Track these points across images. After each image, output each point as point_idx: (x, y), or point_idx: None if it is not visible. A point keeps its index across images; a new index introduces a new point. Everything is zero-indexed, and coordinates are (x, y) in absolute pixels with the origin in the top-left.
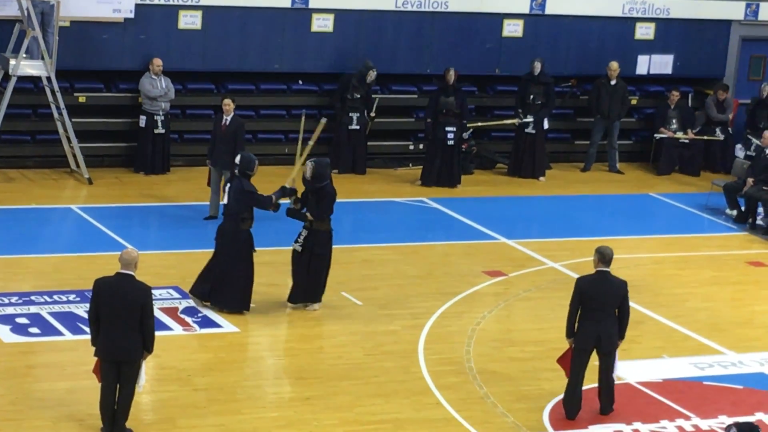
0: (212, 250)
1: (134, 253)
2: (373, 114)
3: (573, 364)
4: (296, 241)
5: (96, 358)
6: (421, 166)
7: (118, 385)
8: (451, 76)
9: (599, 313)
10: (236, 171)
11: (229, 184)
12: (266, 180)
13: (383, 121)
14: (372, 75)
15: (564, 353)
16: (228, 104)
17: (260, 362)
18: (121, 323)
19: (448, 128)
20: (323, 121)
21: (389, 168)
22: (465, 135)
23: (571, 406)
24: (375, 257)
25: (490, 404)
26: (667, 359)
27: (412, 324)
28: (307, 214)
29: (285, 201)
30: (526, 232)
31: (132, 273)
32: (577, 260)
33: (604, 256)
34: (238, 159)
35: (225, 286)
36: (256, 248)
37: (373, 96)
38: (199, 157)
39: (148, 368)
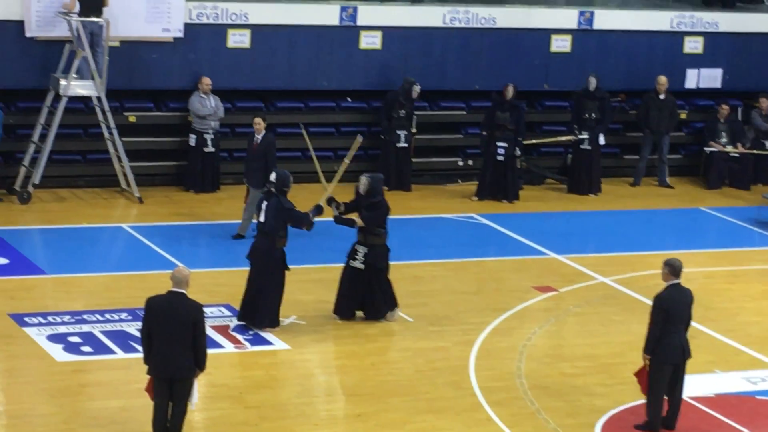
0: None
1: (186, 272)
2: (414, 130)
3: (656, 379)
4: (354, 259)
5: (149, 377)
6: (476, 181)
7: (170, 403)
8: (509, 91)
9: (679, 326)
10: (272, 188)
11: (266, 202)
12: (316, 198)
13: (432, 137)
14: (416, 89)
15: (641, 369)
16: (258, 123)
17: (311, 379)
18: (173, 341)
19: (499, 143)
20: (360, 138)
21: (438, 184)
22: (518, 152)
23: (660, 418)
24: (425, 273)
25: (542, 420)
26: (719, 374)
27: (463, 340)
28: (357, 219)
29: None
30: (576, 247)
31: (184, 291)
32: (628, 275)
33: (675, 269)
34: (273, 177)
35: (258, 304)
36: (291, 267)
37: (415, 113)
38: None
39: (200, 386)
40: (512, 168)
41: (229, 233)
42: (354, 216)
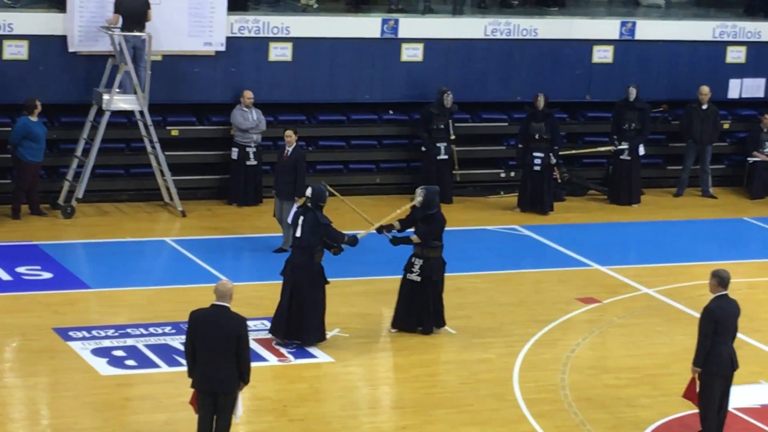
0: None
1: (229, 285)
2: (452, 137)
3: (708, 391)
4: (410, 272)
5: (192, 390)
6: (516, 193)
7: (214, 417)
8: (540, 102)
9: (727, 337)
10: (309, 203)
11: (302, 217)
12: (359, 210)
13: (473, 149)
14: (449, 98)
15: (689, 385)
16: (290, 135)
17: (355, 392)
18: (217, 355)
19: (535, 154)
20: (407, 206)
21: (480, 196)
22: (553, 161)
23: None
24: (468, 286)
25: None
26: (764, 385)
27: (506, 352)
28: (413, 237)
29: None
30: (619, 258)
31: (227, 304)
32: (671, 286)
33: (723, 280)
34: (309, 191)
35: (302, 320)
36: (334, 280)
37: (451, 121)
38: None
39: (244, 399)
40: (548, 178)
41: (271, 246)
42: (407, 226)
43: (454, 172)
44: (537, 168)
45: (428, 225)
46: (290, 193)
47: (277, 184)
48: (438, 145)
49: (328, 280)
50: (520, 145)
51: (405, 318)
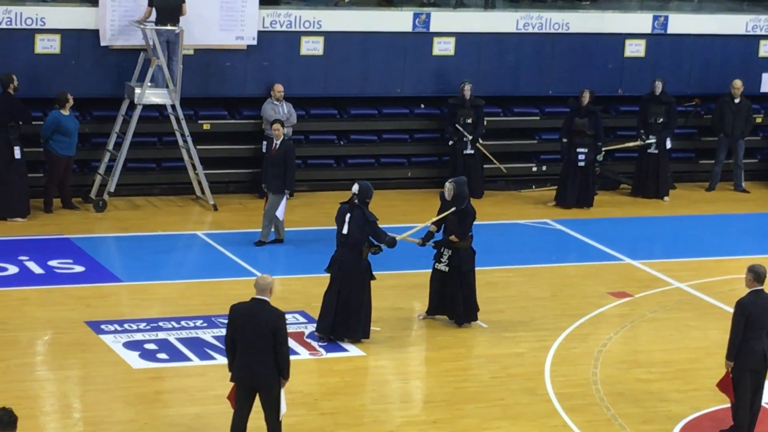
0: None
1: (269, 279)
2: (482, 131)
3: (740, 385)
4: (439, 262)
5: (232, 385)
6: (554, 187)
7: (249, 412)
8: (586, 97)
9: (760, 332)
10: (355, 200)
11: (349, 214)
12: (389, 204)
13: (505, 143)
14: (467, 88)
15: (723, 378)
16: (278, 129)
17: (386, 386)
18: (254, 349)
19: (579, 150)
20: (433, 228)
21: (511, 190)
22: (599, 157)
23: (747, 424)
24: (499, 280)
25: (618, 426)
26: None
27: (538, 346)
28: (451, 238)
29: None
30: (650, 253)
31: (266, 298)
32: (703, 280)
33: (759, 275)
34: (356, 188)
35: (350, 317)
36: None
37: (473, 109)
38: (322, 182)
39: None
40: (592, 174)
41: (303, 240)
42: (440, 223)
43: (497, 165)
44: (581, 164)
45: (462, 220)
46: (279, 187)
47: (265, 178)
48: (465, 139)
49: (375, 275)
50: (565, 140)
51: (437, 308)
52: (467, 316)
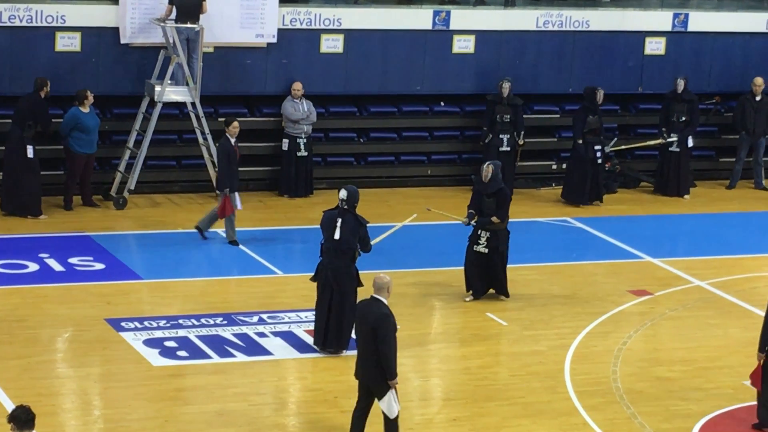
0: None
1: (386, 278)
2: (521, 142)
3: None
4: (477, 244)
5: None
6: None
7: (366, 408)
8: (600, 96)
9: None
10: (345, 206)
11: (340, 219)
12: (409, 202)
13: (525, 140)
14: (506, 86)
15: (755, 369)
16: (237, 126)
17: (406, 384)
18: (362, 346)
19: (596, 147)
20: (414, 216)
21: (532, 188)
22: (608, 151)
23: None
24: (519, 277)
25: (638, 425)
26: None
27: (558, 344)
28: (494, 219)
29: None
30: (671, 251)
31: (382, 298)
32: (724, 278)
33: None
34: (344, 194)
35: (343, 326)
36: (388, 271)
37: (509, 105)
38: (342, 180)
39: (294, 390)
40: (603, 169)
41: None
42: (477, 206)
43: (517, 163)
44: (599, 160)
45: (501, 202)
46: (239, 185)
47: (233, 178)
48: (501, 136)
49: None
50: (580, 141)
51: (477, 283)
52: (501, 290)
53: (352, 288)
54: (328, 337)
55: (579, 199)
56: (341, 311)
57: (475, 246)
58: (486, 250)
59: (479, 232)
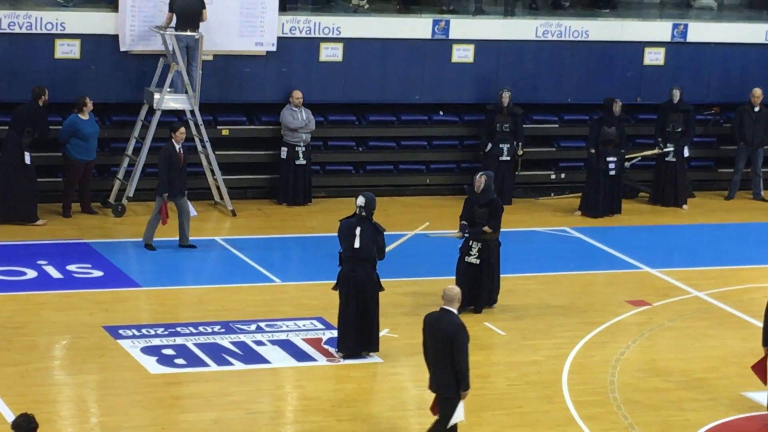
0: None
1: (456, 289)
2: (520, 152)
3: None
4: (469, 255)
5: (434, 395)
6: (576, 195)
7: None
8: (618, 107)
9: None
10: (362, 213)
11: (359, 228)
12: (408, 211)
13: (524, 150)
14: (506, 95)
15: (759, 361)
16: (183, 132)
17: (403, 393)
18: (436, 357)
19: (609, 158)
20: (427, 224)
21: (530, 198)
22: (627, 165)
23: None
24: (517, 287)
25: None
26: None
27: (556, 354)
28: (486, 229)
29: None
30: (669, 261)
31: (453, 309)
32: (722, 289)
33: None
34: (362, 201)
35: (372, 331)
36: (385, 279)
37: (511, 115)
38: (340, 188)
39: (291, 399)
40: (620, 182)
41: (321, 246)
42: (468, 216)
43: (516, 173)
44: (612, 172)
45: (494, 212)
46: (184, 192)
47: (183, 184)
48: (501, 146)
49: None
50: (593, 150)
51: (468, 301)
52: (489, 301)
53: (375, 293)
54: (361, 342)
55: (592, 210)
56: (369, 316)
57: (466, 257)
58: (477, 261)
59: (470, 243)
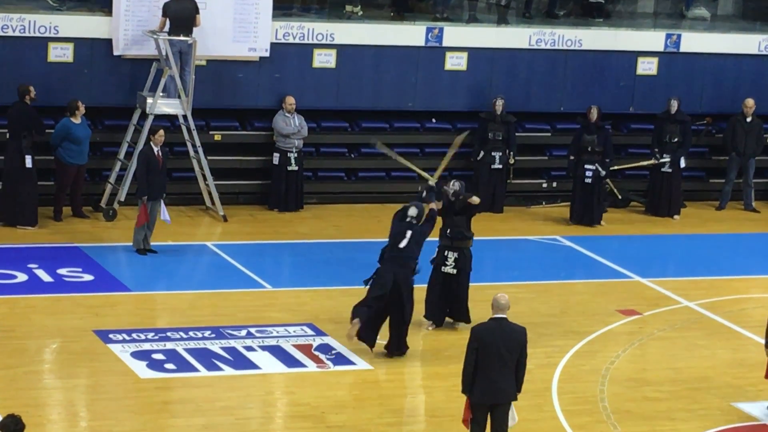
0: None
1: (507, 297)
2: (512, 161)
3: None
4: (445, 265)
5: (465, 408)
6: (566, 204)
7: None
8: (594, 114)
9: None
10: (414, 221)
11: (410, 231)
12: None
13: (516, 159)
14: (499, 103)
15: None
16: (162, 135)
17: (394, 400)
18: (501, 366)
19: (587, 166)
20: (466, 133)
21: (522, 206)
22: (602, 173)
23: None
24: (508, 296)
25: None
26: None
27: (546, 363)
28: (474, 198)
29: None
30: (660, 271)
31: (506, 316)
32: (713, 299)
33: None
34: (414, 212)
35: (402, 333)
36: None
37: (504, 122)
38: (332, 195)
39: (281, 404)
40: (599, 191)
41: (312, 252)
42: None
43: (508, 181)
44: (588, 180)
45: (469, 217)
46: (162, 194)
47: (162, 187)
48: (493, 154)
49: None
50: (572, 157)
51: (438, 311)
52: (461, 316)
53: (410, 299)
54: (391, 344)
55: (575, 217)
56: (403, 321)
57: (442, 267)
58: (454, 271)
59: (446, 253)
